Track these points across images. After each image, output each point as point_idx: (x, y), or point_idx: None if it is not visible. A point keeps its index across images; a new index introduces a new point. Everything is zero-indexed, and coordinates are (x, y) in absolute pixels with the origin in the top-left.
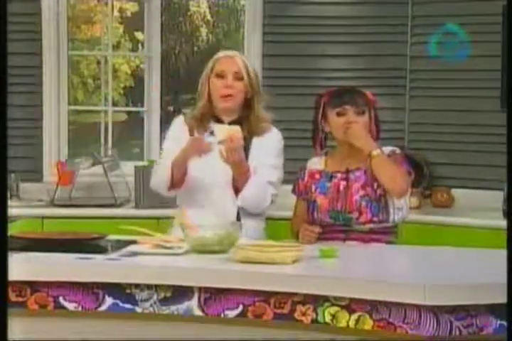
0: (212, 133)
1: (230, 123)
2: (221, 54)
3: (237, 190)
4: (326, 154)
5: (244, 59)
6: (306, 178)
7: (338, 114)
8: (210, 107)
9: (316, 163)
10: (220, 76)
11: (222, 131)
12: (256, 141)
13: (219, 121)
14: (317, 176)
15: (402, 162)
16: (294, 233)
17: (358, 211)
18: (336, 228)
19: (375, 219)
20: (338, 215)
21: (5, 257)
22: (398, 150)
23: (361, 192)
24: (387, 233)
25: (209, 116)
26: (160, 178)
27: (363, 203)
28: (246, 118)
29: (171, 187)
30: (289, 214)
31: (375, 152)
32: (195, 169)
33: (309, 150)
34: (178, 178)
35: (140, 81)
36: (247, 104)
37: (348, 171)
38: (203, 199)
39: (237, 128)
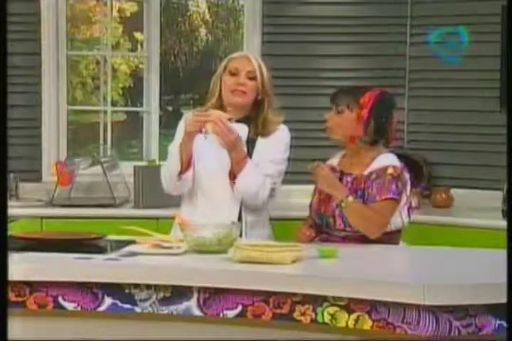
0: None
1: (237, 122)
2: (235, 54)
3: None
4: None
5: (259, 60)
6: None
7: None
8: (220, 104)
9: (333, 161)
10: (233, 73)
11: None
12: (261, 140)
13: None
14: None
15: (391, 184)
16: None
17: (332, 217)
18: (322, 229)
19: (348, 229)
20: (322, 217)
21: (5, 257)
22: (392, 168)
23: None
24: (367, 241)
25: None
26: (169, 165)
27: (337, 212)
28: (254, 119)
29: (180, 172)
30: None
31: (344, 203)
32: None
33: (309, 149)
34: (185, 160)
35: (139, 81)
36: (257, 106)
37: (342, 173)
38: (202, 194)
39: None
